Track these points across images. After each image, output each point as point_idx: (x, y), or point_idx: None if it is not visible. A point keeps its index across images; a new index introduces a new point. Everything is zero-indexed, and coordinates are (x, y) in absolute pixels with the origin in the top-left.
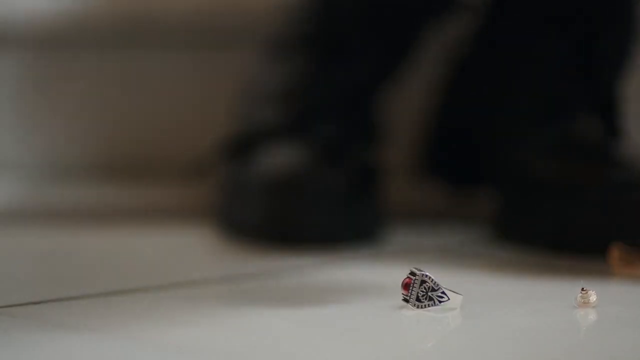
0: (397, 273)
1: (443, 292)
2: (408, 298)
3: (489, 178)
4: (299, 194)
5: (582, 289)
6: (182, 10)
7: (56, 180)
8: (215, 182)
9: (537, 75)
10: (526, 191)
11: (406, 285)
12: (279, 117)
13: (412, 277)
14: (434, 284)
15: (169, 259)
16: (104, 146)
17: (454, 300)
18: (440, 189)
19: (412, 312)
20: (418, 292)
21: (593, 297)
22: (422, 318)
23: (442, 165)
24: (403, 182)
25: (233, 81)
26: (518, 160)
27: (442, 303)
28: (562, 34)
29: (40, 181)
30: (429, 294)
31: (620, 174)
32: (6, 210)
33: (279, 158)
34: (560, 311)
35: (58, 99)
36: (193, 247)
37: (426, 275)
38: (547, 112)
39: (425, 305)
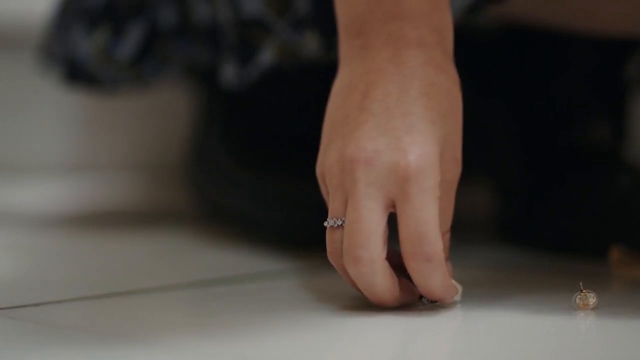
0: None
1: None
2: None
3: (484, 169)
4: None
5: (582, 291)
6: None
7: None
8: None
9: (552, 78)
10: (528, 192)
11: None
12: None
13: None
14: None
15: (169, 260)
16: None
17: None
18: None
19: (412, 312)
20: None
21: (592, 299)
22: (423, 318)
23: None
24: None
25: None
26: (521, 160)
27: None
28: (583, 41)
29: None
30: None
31: (624, 177)
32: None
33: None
34: (560, 312)
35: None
36: (193, 248)
37: None
38: (556, 116)
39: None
